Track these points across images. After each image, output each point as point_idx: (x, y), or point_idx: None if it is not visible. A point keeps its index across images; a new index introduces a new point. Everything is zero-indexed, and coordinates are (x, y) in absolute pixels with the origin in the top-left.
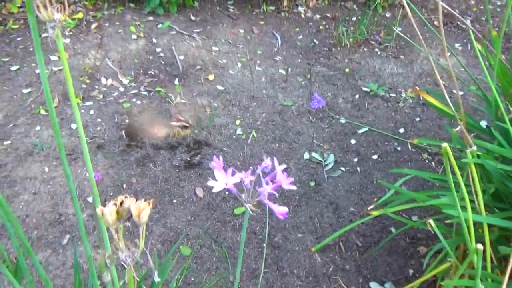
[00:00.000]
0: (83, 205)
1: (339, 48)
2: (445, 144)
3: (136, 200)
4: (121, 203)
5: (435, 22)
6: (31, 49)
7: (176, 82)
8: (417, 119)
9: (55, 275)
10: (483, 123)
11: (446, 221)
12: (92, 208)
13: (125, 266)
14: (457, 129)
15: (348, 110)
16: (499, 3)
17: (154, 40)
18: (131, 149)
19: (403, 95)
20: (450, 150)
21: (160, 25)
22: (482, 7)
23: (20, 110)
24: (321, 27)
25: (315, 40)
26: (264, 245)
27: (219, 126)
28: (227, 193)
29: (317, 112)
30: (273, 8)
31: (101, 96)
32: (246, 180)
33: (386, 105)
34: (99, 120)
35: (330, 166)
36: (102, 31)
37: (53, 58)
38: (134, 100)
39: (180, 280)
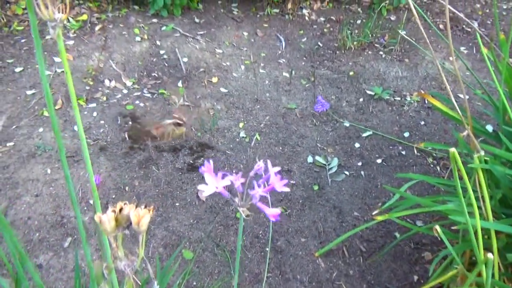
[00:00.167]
0: (85, 208)
1: (343, 51)
2: (453, 149)
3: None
4: (120, 210)
5: (440, 26)
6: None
7: (180, 84)
8: (422, 122)
9: (57, 278)
10: (489, 128)
11: (452, 227)
12: (93, 210)
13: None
14: (464, 133)
15: (352, 113)
16: (504, 7)
17: (158, 42)
18: (134, 151)
19: (408, 98)
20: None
21: (164, 27)
22: (487, 11)
23: (24, 112)
24: (325, 30)
25: (319, 43)
26: (267, 249)
27: (222, 129)
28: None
29: (321, 115)
30: (277, 10)
31: (105, 98)
32: (237, 183)
33: (390, 108)
34: (102, 122)
35: (334, 170)
36: (106, 33)
37: (57, 59)
38: (137, 102)
39: (182, 284)
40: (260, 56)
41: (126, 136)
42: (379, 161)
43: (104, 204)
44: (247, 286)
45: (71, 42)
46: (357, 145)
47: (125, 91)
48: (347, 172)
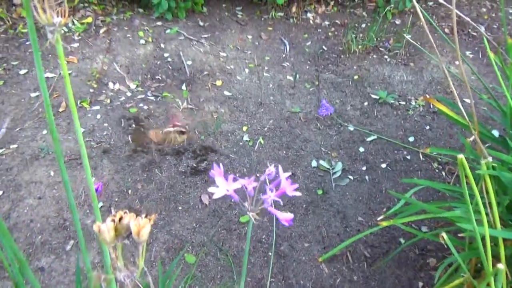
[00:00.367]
0: (87, 211)
1: (348, 55)
2: (461, 156)
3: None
4: (120, 219)
5: (446, 30)
6: (40, 53)
7: (184, 87)
8: (427, 127)
9: (58, 281)
10: (495, 133)
11: (459, 234)
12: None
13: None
14: (471, 139)
15: (357, 117)
16: (511, 11)
17: (162, 45)
18: (137, 154)
19: (413, 103)
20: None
21: (168, 30)
22: (493, 15)
23: (28, 114)
24: (330, 33)
25: (323, 47)
26: (270, 254)
27: (225, 132)
28: (232, 200)
29: (325, 119)
30: (281, 14)
31: (108, 101)
32: (249, 187)
33: (395, 113)
34: (105, 124)
35: (338, 174)
36: (111, 35)
37: None
38: (141, 105)
39: None
40: (264, 59)
41: (130, 139)
42: (383, 165)
43: (107, 207)
44: None
45: (75, 45)
46: (361, 149)
47: (129, 94)
48: (351, 177)
